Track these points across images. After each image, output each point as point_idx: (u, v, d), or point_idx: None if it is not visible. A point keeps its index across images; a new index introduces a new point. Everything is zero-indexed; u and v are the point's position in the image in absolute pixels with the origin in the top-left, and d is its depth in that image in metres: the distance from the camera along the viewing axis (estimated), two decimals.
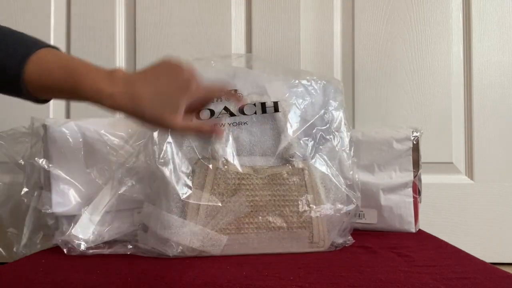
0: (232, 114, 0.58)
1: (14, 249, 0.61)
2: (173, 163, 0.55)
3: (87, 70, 0.46)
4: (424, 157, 0.75)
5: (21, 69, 0.46)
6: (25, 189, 0.60)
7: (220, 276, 0.45)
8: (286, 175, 0.57)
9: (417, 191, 0.71)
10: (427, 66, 0.86)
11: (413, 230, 0.70)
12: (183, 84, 0.46)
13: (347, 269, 0.47)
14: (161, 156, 0.55)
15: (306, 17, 0.88)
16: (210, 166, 0.55)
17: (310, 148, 0.58)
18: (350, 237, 0.60)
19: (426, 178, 0.78)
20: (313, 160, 0.58)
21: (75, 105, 0.88)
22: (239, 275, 0.45)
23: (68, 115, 0.88)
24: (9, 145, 0.62)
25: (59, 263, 0.51)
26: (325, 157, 0.59)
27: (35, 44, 0.48)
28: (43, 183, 0.60)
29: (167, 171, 0.54)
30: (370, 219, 0.71)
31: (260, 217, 0.55)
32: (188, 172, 0.55)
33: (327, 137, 0.60)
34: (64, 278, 0.44)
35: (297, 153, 0.57)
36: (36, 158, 0.59)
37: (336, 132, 0.61)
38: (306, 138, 0.59)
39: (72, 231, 0.57)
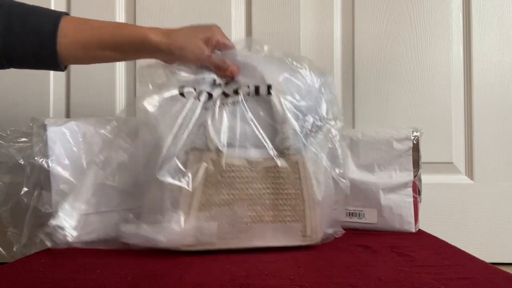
0: (226, 95, 0.58)
1: (14, 249, 0.61)
2: (167, 152, 0.53)
3: (119, 23, 0.59)
4: (424, 157, 0.75)
5: (57, 25, 0.51)
6: (25, 189, 0.60)
7: (221, 275, 0.45)
8: (281, 168, 0.56)
9: (417, 191, 0.71)
10: (427, 66, 0.86)
11: (413, 230, 0.70)
12: (207, 27, 0.59)
13: (347, 268, 0.47)
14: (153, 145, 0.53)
15: (306, 17, 0.88)
16: (204, 157, 0.54)
17: (304, 139, 0.57)
18: (340, 228, 0.60)
19: (426, 178, 0.78)
20: (307, 152, 0.57)
21: (75, 105, 0.88)
22: (239, 274, 0.45)
23: (68, 115, 0.88)
24: (9, 145, 0.62)
25: (59, 263, 0.51)
26: (317, 148, 0.58)
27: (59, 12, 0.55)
28: (43, 183, 0.60)
29: (160, 160, 0.52)
30: (370, 219, 0.71)
31: (254, 210, 0.55)
32: (181, 163, 0.54)
33: (320, 127, 0.59)
34: (64, 278, 0.44)
35: (293, 145, 0.56)
36: (36, 158, 0.59)
37: (329, 122, 0.60)
38: (301, 129, 0.57)
39: (55, 221, 0.55)
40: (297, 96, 0.58)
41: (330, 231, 0.59)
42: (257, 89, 0.58)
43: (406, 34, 0.86)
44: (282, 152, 0.56)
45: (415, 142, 0.70)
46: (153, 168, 0.53)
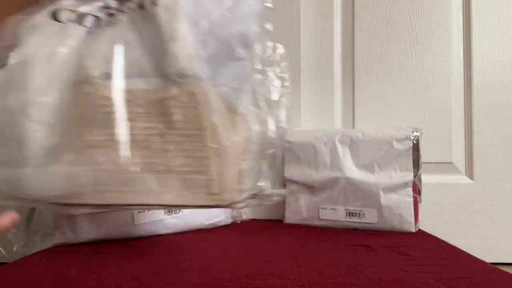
0: (110, 15, 0.46)
1: (14, 249, 0.61)
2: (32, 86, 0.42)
3: None
4: (424, 157, 0.75)
5: None
6: None
7: (220, 275, 0.45)
8: (173, 102, 0.42)
9: (417, 191, 0.71)
10: (427, 66, 0.86)
11: (413, 230, 0.70)
12: None
13: (347, 268, 0.47)
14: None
15: (305, 17, 0.88)
16: (76, 90, 0.42)
17: (209, 64, 0.44)
18: (283, 190, 0.50)
19: (426, 178, 0.78)
20: (214, 82, 0.44)
21: None
22: (239, 274, 0.45)
23: None
24: None
25: (59, 263, 0.51)
26: (232, 78, 0.45)
27: None
28: None
29: (23, 95, 0.41)
30: (370, 219, 0.71)
31: (139, 157, 0.42)
32: (50, 98, 0.42)
33: (236, 51, 0.46)
34: (64, 278, 0.44)
35: (189, 71, 0.42)
36: None
37: (250, 46, 0.47)
38: (205, 51, 0.44)
39: None
40: (197, 8, 0.44)
41: (254, 190, 0.46)
42: (141, 2, 0.45)
43: (406, 34, 0.86)
44: (174, 81, 0.43)
45: (415, 142, 0.70)
46: (15, 104, 0.42)
